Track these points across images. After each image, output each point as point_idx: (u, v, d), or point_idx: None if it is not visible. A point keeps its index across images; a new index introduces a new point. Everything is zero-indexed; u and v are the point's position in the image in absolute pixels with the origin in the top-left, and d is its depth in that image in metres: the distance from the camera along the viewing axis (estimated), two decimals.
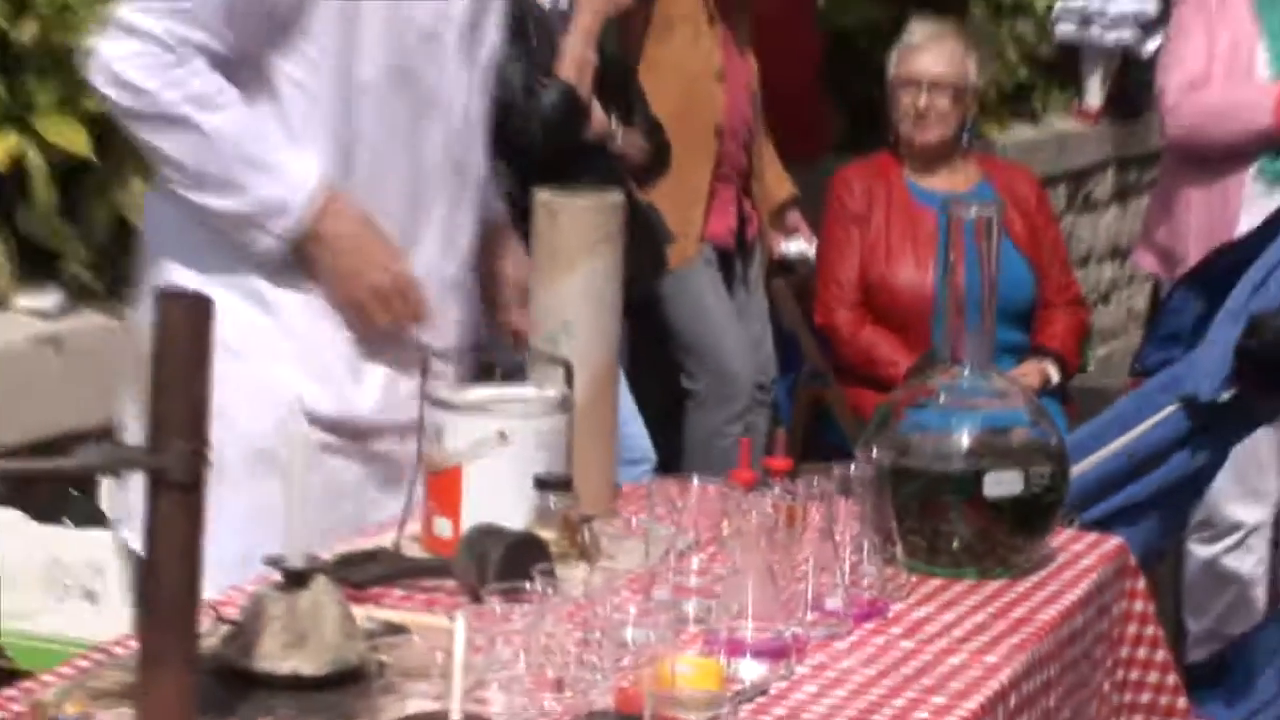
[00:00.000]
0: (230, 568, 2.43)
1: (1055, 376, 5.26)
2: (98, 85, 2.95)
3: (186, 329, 1.73)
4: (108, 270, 4.02)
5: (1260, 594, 4.93)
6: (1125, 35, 9.50)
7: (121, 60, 2.90)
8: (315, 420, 2.99)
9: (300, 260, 3.01)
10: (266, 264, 3.01)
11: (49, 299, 3.91)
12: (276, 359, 3.02)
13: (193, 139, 2.92)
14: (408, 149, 3.04)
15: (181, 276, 2.98)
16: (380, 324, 3.04)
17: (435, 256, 3.11)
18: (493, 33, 3.17)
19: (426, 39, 3.02)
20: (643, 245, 4.34)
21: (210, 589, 2.52)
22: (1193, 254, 4.54)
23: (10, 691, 2.19)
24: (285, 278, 3.02)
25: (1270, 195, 4.51)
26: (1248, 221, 4.35)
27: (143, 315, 3.04)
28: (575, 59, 4.41)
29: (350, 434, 3.05)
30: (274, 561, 2.15)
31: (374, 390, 3.04)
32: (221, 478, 2.97)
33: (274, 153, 2.97)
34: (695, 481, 2.70)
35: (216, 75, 2.93)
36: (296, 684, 2.08)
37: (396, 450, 3.02)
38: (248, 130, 2.96)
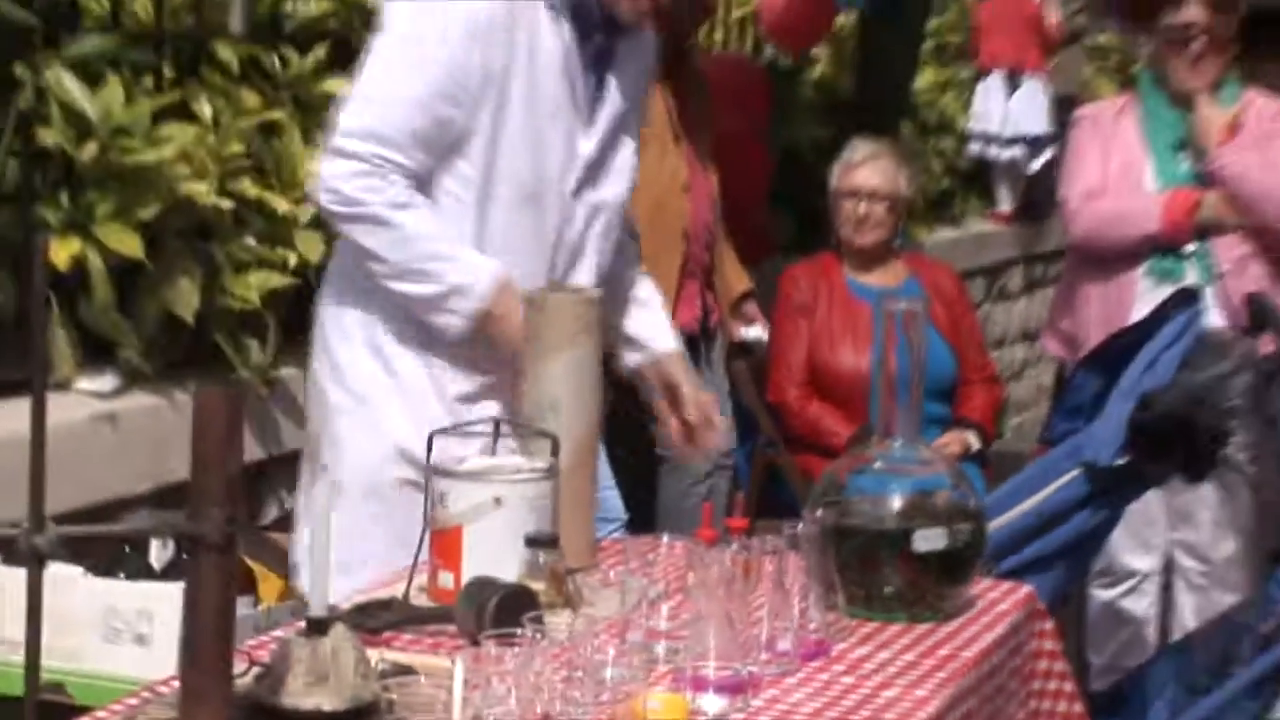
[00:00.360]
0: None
1: (975, 444, 5.25)
2: (318, 198, 3.10)
3: (221, 416, 1.72)
4: (157, 357, 4.00)
5: (1152, 632, 4.91)
6: (1017, 153, 9.75)
7: (335, 177, 3.06)
8: (418, 465, 3.06)
9: (478, 335, 3.12)
10: (400, 339, 3.14)
11: (105, 381, 3.89)
12: (391, 410, 3.14)
13: (393, 235, 3.06)
14: (524, 259, 3.14)
15: (336, 343, 3.18)
16: None
17: None
18: (615, 186, 3.29)
19: (551, 177, 3.15)
20: None
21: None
22: (1092, 339, 4.53)
23: None
24: (412, 352, 3.15)
25: (1158, 290, 4.51)
26: (1139, 312, 4.34)
27: (318, 370, 3.23)
28: None
29: None
30: (299, 612, 2.14)
31: (474, 447, 3.04)
32: (337, 498, 3.02)
33: (456, 246, 3.10)
34: (664, 539, 2.72)
35: (409, 185, 3.07)
36: (319, 719, 2.06)
37: None
38: (434, 229, 3.09)
